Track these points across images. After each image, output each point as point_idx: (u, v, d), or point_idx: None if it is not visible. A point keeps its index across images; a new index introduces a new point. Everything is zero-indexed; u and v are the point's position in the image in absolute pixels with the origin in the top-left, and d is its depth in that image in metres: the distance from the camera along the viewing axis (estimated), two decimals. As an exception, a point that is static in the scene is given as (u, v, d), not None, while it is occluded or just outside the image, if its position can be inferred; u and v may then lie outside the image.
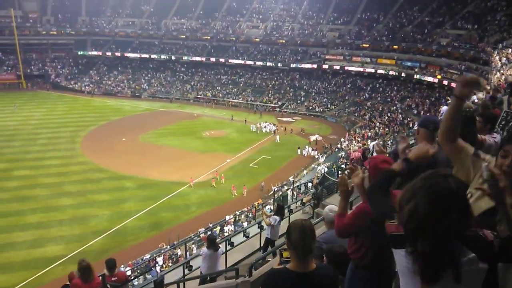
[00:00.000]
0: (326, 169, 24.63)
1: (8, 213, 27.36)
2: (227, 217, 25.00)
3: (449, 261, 1.61)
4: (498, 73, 26.65)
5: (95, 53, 78.49)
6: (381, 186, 2.54)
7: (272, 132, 47.58)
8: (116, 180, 33.22)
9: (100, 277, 8.39)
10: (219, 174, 33.85)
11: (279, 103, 61.87)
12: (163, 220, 27.44)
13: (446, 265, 1.61)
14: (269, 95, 64.20)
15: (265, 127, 48.99)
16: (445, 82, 46.44)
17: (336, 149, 39.19)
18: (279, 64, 67.25)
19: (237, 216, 24.74)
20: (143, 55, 76.15)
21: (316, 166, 33.81)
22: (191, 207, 29.36)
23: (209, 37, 74.79)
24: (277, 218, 10.20)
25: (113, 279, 7.82)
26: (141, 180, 33.25)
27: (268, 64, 68.00)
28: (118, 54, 77.17)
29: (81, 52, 78.91)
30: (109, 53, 77.87)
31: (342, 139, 42.96)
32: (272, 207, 19.44)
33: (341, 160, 29.54)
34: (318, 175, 23.10)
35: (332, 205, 5.73)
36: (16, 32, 72.72)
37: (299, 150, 40.77)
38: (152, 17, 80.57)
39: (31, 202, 28.92)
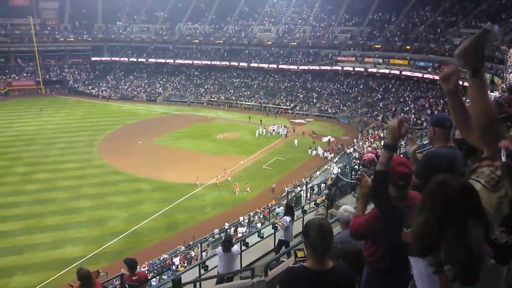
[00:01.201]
0: (339, 170, 24.68)
1: (28, 215, 28.17)
2: (241, 218, 25.28)
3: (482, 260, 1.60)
4: (513, 72, 26.31)
5: (111, 58, 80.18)
6: (378, 190, 2.55)
7: (284, 135, 47.57)
8: (132, 183, 33.90)
9: (119, 277, 8.73)
10: (227, 173, 34.69)
11: (292, 105, 62.02)
12: (178, 221, 27.91)
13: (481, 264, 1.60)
14: (282, 97, 64.39)
15: (273, 130, 48.76)
16: (459, 82, 45.76)
17: (349, 150, 39.13)
18: (291, 67, 67.43)
19: (251, 217, 25.00)
20: (158, 60, 77.40)
21: (329, 167, 33.86)
22: (206, 208, 29.77)
23: (222, 41, 75.54)
24: (288, 218, 10.08)
25: (133, 278, 8.16)
26: (156, 182, 33.85)
27: (280, 66, 68.25)
28: (133, 59, 78.65)
29: (98, 58, 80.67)
30: (125, 59, 79.38)
31: (355, 140, 42.87)
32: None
33: (354, 161, 29.51)
34: (332, 176, 23.18)
35: (346, 205, 5.63)
36: (35, 39, 74.84)
37: (310, 150, 41.14)
38: (166, 22, 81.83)
39: (50, 205, 29.75)
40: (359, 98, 59.36)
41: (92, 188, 32.60)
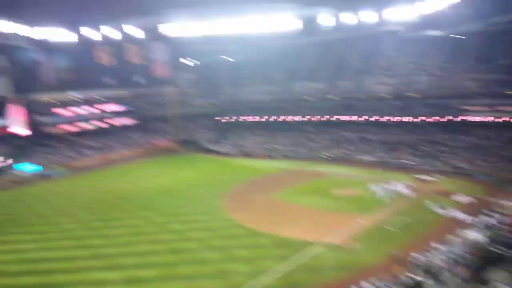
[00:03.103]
0: (482, 237, 21.41)
1: (162, 263, 30.89)
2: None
3: None
4: None
5: (234, 118, 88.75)
6: None
7: (409, 194, 43.69)
8: (252, 237, 34.83)
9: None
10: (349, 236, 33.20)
11: (415, 159, 57.64)
12: (299, 281, 27.21)
13: None
14: (404, 152, 60.59)
15: (387, 188, 44.43)
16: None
17: (492, 213, 33.81)
18: (412, 119, 63.75)
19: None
20: (277, 118, 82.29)
21: (466, 233, 29.58)
22: (327, 270, 28.52)
23: (337, 97, 76.52)
24: None
25: None
26: (276, 238, 34.10)
27: (399, 119, 65.17)
28: (253, 118, 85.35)
29: (222, 118, 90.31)
30: (245, 118, 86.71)
31: (500, 201, 36.99)
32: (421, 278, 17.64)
33: (502, 226, 25.31)
34: (475, 243, 20.19)
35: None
36: (172, 105, 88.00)
37: (439, 210, 37.23)
38: (282, 83, 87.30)
39: (183, 254, 32.21)
40: (496, 152, 52.14)
41: (217, 240, 34.44)
